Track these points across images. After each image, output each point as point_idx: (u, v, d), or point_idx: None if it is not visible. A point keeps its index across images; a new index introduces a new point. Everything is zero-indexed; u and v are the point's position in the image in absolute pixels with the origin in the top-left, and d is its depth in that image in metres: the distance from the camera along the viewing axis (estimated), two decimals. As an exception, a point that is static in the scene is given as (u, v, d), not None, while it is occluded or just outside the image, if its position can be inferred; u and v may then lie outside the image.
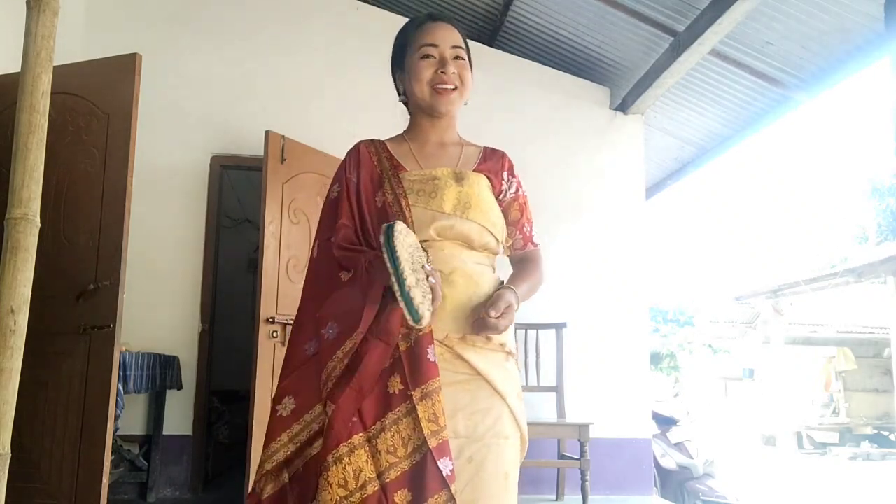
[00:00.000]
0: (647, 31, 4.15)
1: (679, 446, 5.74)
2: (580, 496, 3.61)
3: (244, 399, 3.69)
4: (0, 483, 1.26)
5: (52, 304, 2.75)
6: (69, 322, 2.78)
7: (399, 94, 1.49)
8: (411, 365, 1.23)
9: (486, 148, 1.51)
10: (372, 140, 1.46)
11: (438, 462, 1.18)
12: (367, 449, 1.21)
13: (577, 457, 3.65)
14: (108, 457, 2.68)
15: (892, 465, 10.12)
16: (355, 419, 1.22)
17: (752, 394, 14.00)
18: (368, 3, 4.67)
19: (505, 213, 1.46)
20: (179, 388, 4.01)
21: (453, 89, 1.40)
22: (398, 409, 1.22)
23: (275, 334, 3.55)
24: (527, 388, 4.09)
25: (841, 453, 11.16)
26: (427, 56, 1.39)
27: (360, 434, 1.21)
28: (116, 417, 2.80)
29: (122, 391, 3.07)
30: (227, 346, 4.68)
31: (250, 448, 3.35)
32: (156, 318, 4.06)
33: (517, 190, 1.49)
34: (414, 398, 1.21)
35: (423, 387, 1.22)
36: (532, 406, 4.15)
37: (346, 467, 1.19)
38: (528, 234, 1.49)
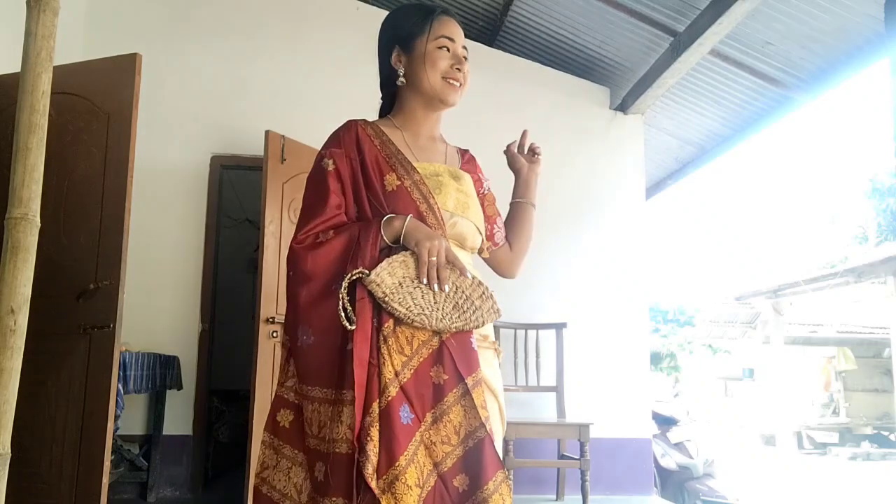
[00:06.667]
0: (647, 31, 4.15)
1: (679, 446, 5.74)
2: (580, 496, 3.61)
3: (244, 399, 3.70)
4: (0, 483, 1.26)
5: (52, 304, 2.74)
6: (69, 322, 2.77)
7: (396, 76, 1.41)
8: (459, 353, 1.24)
9: (458, 147, 1.53)
10: (366, 121, 1.42)
11: (495, 445, 1.21)
12: (423, 442, 1.21)
13: (577, 457, 3.65)
14: (108, 457, 2.68)
15: (892, 465, 10.12)
16: (413, 416, 1.19)
17: (752, 394, 14.01)
18: (368, 3, 4.67)
19: (485, 210, 1.49)
20: (179, 388, 4.00)
21: (461, 85, 1.40)
22: (447, 398, 1.22)
23: (275, 334, 3.55)
24: (527, 388, 4.10)
25: (841, 453, 11.17)
26: (444, 48, 1.38)
27: (419, 430, 1.20)
28: (116, 417, 2.80)
29: (122, 391, 3.07)
30: (227, 346, 4.68)
31: (250, 448, 3.35)
32: (156, 318, 4.06)
33: (489, 188, 1.54)
34: (468, 385, 1.22)
35: (474, 374, 1.23)
36: (532, 406, 4.16)
37: (417, 466, 1.17)
38: (503, 226, 1.54)
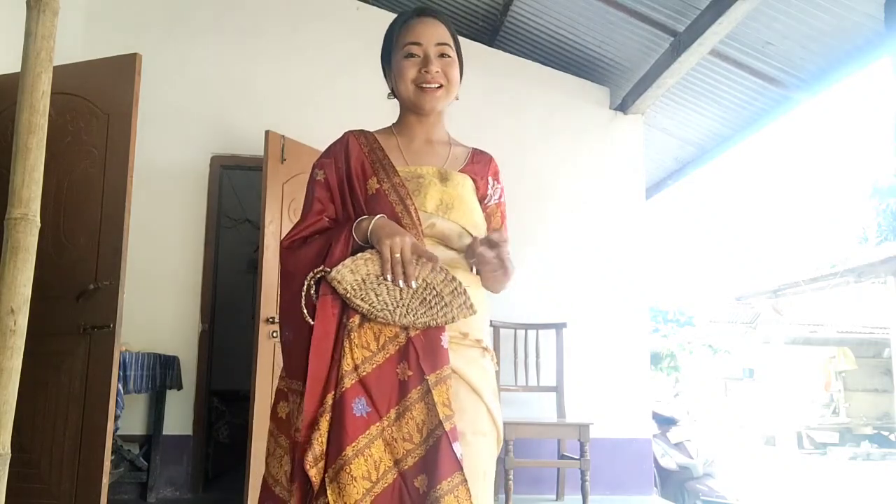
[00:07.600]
0: (647, 31, 4.15)
1: (679, 446, 5.74)
2: (580, 496, 3.61)
3: (244, 399, 3.70)
4: (0, 483, 1.26)
5: (52, 304, 2.75)
6: (69, 322, 2.77)
7: (389, 90, 1.50)
8: (426, 350, 1.25)
9: (474, 150, 1.52)
10: (361, 131, 1.46)
11: (453, 445, 1.20)
12: (384, 437, 1.21)
13: (577, 457, 3.65)
14: (108, 457, 2.68)
15: (892, 465, 10.12)
16: (370, 409, 1.21)
17: (752, 394, 14.00)
18: (368, 3, 4.67)
19: (488, 218, 1.47)
20: (179, 388, 4.01)
21: (438, 87, 1.39)
22: (411, 394, 1.23)
23: (274, 334, 3.55)
24: (527, 388, 4.10)
25: (841, 453, 11.16)
26: (411, 55, 1.39)
27: (377, 424, 1.21)
28: (116, 417, 2.80)
29: (122, 391, 3.07)
30: (227, 346, 4.68)
31: (250, 448, 3.35)
32: (156, 318, 4.06)
33: (500, 197, 1.52)
34: (429, 382, 1.22)
35: (438, 372, 1.24)
36: (532, 406, 4.16)
37: (368, 459, 1.18)
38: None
